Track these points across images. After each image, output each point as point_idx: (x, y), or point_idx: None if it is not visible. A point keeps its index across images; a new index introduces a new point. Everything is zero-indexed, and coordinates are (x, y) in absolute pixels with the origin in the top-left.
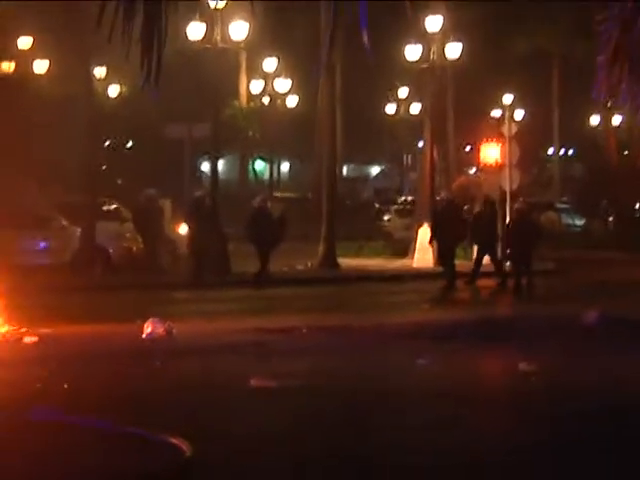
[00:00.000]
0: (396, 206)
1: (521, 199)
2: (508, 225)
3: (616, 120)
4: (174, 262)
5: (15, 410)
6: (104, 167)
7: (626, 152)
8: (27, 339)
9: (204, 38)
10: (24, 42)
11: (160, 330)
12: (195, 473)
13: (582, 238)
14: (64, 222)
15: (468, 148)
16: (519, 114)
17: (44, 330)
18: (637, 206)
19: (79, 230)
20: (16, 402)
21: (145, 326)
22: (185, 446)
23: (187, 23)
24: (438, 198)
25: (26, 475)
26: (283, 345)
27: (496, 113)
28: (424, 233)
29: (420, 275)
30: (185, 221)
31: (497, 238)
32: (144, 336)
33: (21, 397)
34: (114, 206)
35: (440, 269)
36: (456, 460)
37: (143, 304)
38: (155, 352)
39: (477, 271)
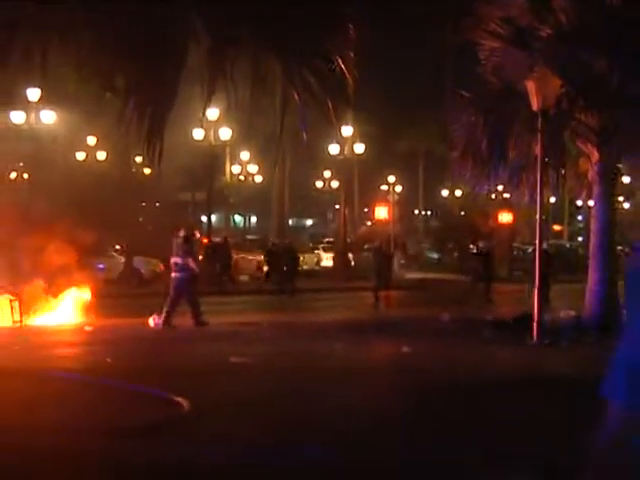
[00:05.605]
0: (322, 245)
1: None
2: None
3: (458, 193)
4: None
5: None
6: (140, 219)
7: (463, 212)
8: (87, 328)
9: (203, 139)
10: (91, 140)
11: (160, 322)
12: (191, 424)
13: (437, 266)
14: (113, 253)
15: (367, 209)
16: (399, 188)
17: (98, 322)
18: (471, 246)
19: (123, 258)
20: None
21: (150, 319)
22: (185, 403)
23: (193, 128)
24: (349, 240)
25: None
26: (251, 334)
27: (384, 187)
28: None
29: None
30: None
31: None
32: (151, 326)
33: (79, 368)
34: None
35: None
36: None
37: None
38: (160, 338)
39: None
